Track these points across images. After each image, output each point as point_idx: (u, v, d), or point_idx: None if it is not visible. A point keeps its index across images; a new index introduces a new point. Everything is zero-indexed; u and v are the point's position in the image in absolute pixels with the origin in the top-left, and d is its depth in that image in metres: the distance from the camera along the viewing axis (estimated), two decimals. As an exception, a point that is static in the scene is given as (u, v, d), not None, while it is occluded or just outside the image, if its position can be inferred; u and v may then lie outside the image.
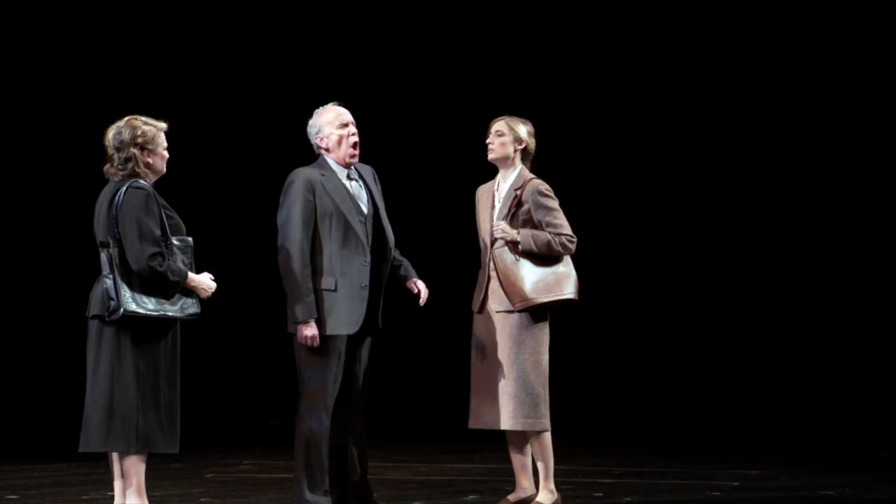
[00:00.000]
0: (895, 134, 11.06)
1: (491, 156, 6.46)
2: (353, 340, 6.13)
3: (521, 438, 6.36)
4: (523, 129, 6.44)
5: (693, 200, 11.42)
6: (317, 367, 6.04)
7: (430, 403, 11.10)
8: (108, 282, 5.48)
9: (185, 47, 11.37)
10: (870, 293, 11.09)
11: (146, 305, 5.49)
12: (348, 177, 6.19)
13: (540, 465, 6.35)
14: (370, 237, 6.14)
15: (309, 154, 6.32)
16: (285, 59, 11.47)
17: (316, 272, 6.04)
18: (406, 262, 6.36)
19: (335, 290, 6.04)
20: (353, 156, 6.17)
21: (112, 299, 5.46)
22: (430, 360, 11.11)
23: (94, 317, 5.58)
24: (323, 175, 6.11)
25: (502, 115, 6.48)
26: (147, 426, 5.51)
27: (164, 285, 5.53)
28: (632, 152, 11.47)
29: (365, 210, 6.17)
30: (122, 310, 5.43)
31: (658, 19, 11.32)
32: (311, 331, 5.99)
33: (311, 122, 6.23)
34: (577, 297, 6.34)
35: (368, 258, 6.11)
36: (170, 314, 5.54)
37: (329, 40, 11.55)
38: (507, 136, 6.43)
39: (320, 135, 6.18)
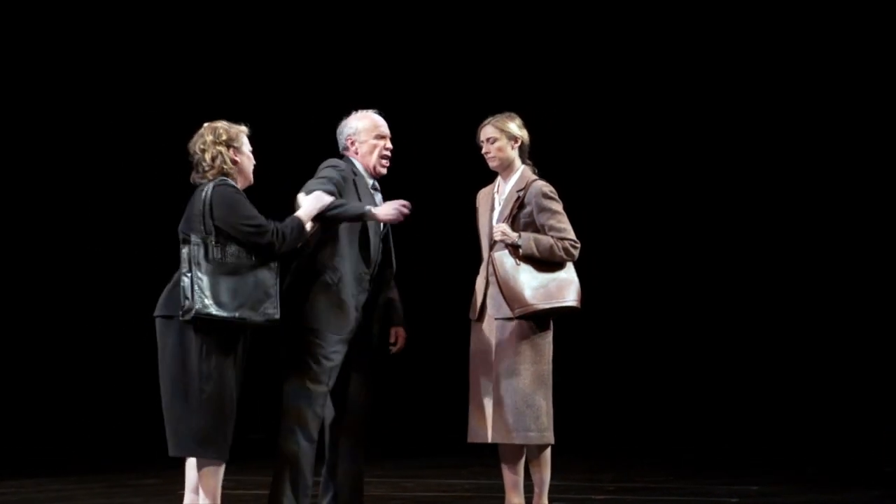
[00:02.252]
0: (895, 134, 11.03)
1: (492, 164, 6.31)
2: (349, 356, 6.04)
3: (516, 453, 6.24)
4: (513, 126, 6.30)
5: (699, 206, 11.39)
6: (304, 378, 5.94)
7: (417, 416, 11.04)
8: (186, 280, 5.45)
9: (182, 49, 11.32)
10: (876, 303, 11.04)
11: (221, 308, 5.47)
12: (373, 187, 6.15)
13: (536, 481, 6.24)
14: (379, 254, 6.09)
15: (308, 154, 6.26)
16: (286, 62, 11.43)
17: (327, 264, 5.96)
18: (397, 304, 6.26)
19: (335, 287, 5.96)
20: (382, 166, 6.14)
21: (187, 298, 5.44)
22: (419, 370, 11.03)
23: (170, 317, 5.53)
24: (354, 174, 6.07)
25: (491, 115, 6.35)
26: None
27: (293, 242, 5.64)
28: (636, 157, 11.46)
29: (382, 225, 6.12)
30: (194, 310, 5.41)
31: (659, 20, 11.29)
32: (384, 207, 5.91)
33: (346, 122, 6.17)
34: (578, 306, 6.21)
35: (371, 270, 6.05)
36: (243, 318, 5.51)
37: (326, 40, 11.52)
38: (501, 138, 6.28)
39: (353, 137, 6.13)
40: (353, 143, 6.12)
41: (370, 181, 6.12)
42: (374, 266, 6.08)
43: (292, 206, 5.91)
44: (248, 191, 5.76)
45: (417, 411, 11.14)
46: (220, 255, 5.52)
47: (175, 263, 5.62)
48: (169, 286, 5.61)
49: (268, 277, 5.60)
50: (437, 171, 10.85)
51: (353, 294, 5.99)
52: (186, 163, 5.75)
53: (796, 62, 11.13)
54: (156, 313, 5.61)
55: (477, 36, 11.40)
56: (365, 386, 6.14)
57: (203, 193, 5.56)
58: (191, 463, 5.65)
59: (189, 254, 5.49)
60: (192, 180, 5.70)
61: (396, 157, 6.28)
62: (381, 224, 6.10)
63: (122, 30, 11.26)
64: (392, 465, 9.16)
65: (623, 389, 11.34)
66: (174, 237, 5.66)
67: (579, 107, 11.35)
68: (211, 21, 11.40)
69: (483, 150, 6.31)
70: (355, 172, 6.06)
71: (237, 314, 5.49)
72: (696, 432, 10.81)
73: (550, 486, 6.29)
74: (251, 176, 5.76)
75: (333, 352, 5.96)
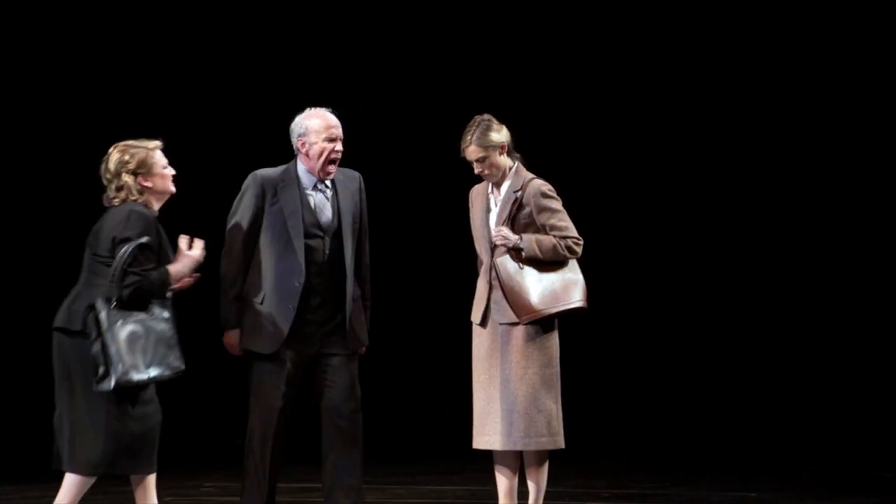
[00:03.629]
0: (895, 134, 11.01)
1: (491, 181, 6.26)
2: (311, 365, 6.08)
3: (514, 459, 6.20)
4: (493, 135, 6.18)
5: (700, 207, 11.34)
6: (257, 389, 6.08)
7: (408, 421, 10.99)
8: (97, 346, 5.40)
9: (170, 47, 11.29)
10: (874, 306, 11.01)
11: (137, 372, 5.42)
12: (314, 187, 6.09)
13: (532, 488, 6.20)
14: (326, 254, 6.05)
15: (288, 154, 6.22)
16: (275, 58, 11.38)
17: (252, 283, 6.06)
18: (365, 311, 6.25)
19: (261, 304, 6.03)
20: (329, 173, 6.07)
21: (102, 366, 5.39)
22: (406, 373, 10.99)
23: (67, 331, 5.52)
24: (283, 181, 6.06)
25: (468, 127, 6.21)
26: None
27: (149, 295, 5.46)
28: (639, 153, 11.38)
29: (325, 225, 6.08)
30: (113, 380, 5.36)
31: (660, 19, 11.25)
32: (229, 339, 6.09)
33: (297, 121, 6.12)
34: (585, 305, 6.18)
35: (303, 279, 6.01)
36: (154, 377, 5.47)
37: (314, 36, 11.44)
38: (489, 155, 6.18)
39: (303, 139, 6.07)
40: (303, 145, 6.07)
41: (312, 181, 6.08)
42: (317, 274, 6.04)
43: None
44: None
45: (408, 416, 11.08)
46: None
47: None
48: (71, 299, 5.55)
49: (165, 329, 5.51)
50: (432, 169, 10.80)
51: (286, 306, 5.99)
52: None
53: (796, 62, 11.09)
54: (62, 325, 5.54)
55: (471, 30, 11.33)
56: (350, 395, 6.12)
57: (111, 222, 5.51)
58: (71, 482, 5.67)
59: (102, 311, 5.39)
60: (103, 202, 5.66)
61: (391, 155, 6.23)
62: (334, 220, 6.07)
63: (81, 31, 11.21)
64: (383, 471, 9.09)
65: (618, 392, 11.28)
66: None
67: (579, 103, 11.29)
68: (192, 19, 11.36)
69: (476, 171, 6.23)
70: (284, 179, 6.05)
71: (150, 375, 5.44)
72: (693, 437, 10.76)
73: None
74: (169, 189, 5.67)
75: (287, 360, 6.02)
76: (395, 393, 10.84)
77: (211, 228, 6.40)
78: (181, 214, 6.16)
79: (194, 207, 11.11)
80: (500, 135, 6.21)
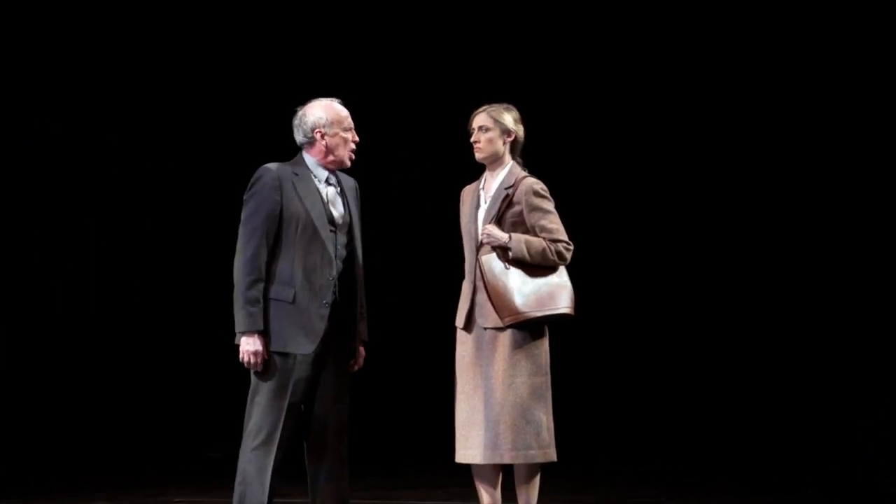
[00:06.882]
0: (894, 137, 11.03)
1: (479, 156, 6.21)
2: (320, 366, 5.92)
3: (494, 472, 6.12)
4: (509, 118, 6.18)
5: (697, 204, 11.40)
6: (267, 391, 5.85)
7: (390, 432, 10.96)
8: None
9: (158, 41, 11.29)
10: (878, 316, 11.03)
11: None
12: (326, 181, 6.02)
13: (521, 501, 6.12)
14: (342, 250, 5.97)
15: (278, 150, 6.10)
16: (260, 55, 11.40)
17: (273, 280, 5.87)
18: (363, 319, 6.15)
19: (292, 303, 5.85)
20: (351, 160, 6.04)
21: None
22: (388, 382, 10.96)
23: None
24: (296, 175, 5.96)
25: (483, 105, 6.22)
26: None
27: None
28: (633, 155, 11.50)
29: (339, 220, 6.00)
30: None
31: (657, 17, 11.30)
32: (253, 345, 5.78)
33: (309, 112, 6.02)
34: (572, 312, 6.10)
35: (335, 273, 5.91)
36: None
37: (302, 33, 11.50)
38: (494, 129, 6.17)
39: (322, 130, 6.00)
40: (322, 136, 5.99)
41: (324, 175, 6.01)
42: (338, 269, 5.94)
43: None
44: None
45: (390, 427, 11.05)
46: None
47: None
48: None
49: None
50: (421, 167, 10.80)
51: (319, 302, 5.87)
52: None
53: (796, 62, 11.18)
54: None
55: (465, 23, 11.37)
56: (339, 400, 6.02)
57: None
58: None
59: None
60: None
61: (380, 153, 6.17)
62: (346, 214, 6.01)
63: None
64: (362, 485, 9.03)
65: (613, 402, 11.31)
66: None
67: (573, 103, 11.36)
68: (178, 16, 11.38)
69: (472, 139, 6.21)
70: (297, 172, 5.95)
71: None
72: (689, 449, 10.76)
73: (531, 507, 6.19)
74: None
75: (302, 362, 5.85)
76: (377, 403, 10.78)
77: (209, 229, 6.39)
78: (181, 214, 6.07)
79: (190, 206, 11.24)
80: (515, 125, 6.20)
